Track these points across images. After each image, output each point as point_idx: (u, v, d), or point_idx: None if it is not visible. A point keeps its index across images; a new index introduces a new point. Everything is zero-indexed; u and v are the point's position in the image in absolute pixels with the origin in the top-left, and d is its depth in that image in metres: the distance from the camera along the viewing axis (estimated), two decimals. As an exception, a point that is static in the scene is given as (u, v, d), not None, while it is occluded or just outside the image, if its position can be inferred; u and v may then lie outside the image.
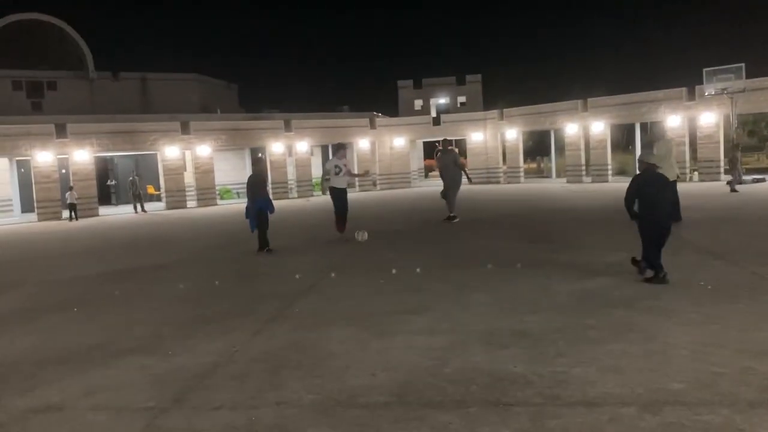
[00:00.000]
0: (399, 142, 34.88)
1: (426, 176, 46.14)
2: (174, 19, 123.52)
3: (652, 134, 13.36)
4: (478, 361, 5.33)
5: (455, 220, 15.66)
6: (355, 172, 14.10)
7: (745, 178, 24.28)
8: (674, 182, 12.08)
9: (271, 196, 13.28)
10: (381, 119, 37.69)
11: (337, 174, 13.05)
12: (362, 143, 34.13)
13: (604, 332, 5.94)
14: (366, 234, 12.48)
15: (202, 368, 5.61)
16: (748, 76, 23.39)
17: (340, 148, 13.60)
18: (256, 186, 12.58)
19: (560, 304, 7.17)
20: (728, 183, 20.20)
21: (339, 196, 13.21)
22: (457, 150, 17.96)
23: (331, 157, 13.37)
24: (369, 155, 34.55)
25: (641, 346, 5.47)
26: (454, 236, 13.41)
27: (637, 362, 5.08)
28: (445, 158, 15.81)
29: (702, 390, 4.43)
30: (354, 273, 9.92)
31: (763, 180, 23.44)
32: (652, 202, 7.91)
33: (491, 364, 5.25)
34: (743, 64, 23.16)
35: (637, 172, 8.33)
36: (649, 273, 7.98)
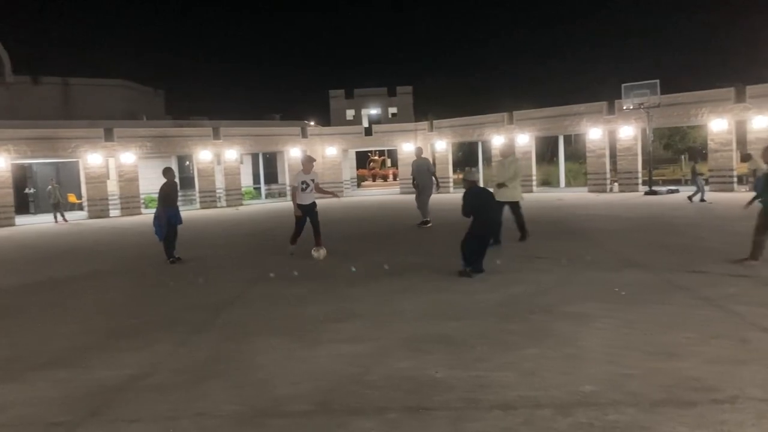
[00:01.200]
0: (331, 151, 34.91)
1: (358, 186, 46.28)
2: (100, 24, 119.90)
3: (501, 153, 13.88)
4: (401, 368, 5.41)
5: (428, 225, 16.20)
6: (326, 189, 12.96)
7: (660, 188, 25.47)
8: (515, 203, 12.67)
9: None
10: (313, 128, 37.59)
11: (304, 190, 12.02)
12: (293, 152, 33.97)
13: (523, 337, 6.13)
14: (324, 251, 12.02)
15: (121, 381, 5.48)
16: (662, 92, 24.56)
17: (309, 162, 12.33)
18: (171, 196, 12.49)
19: (484, 310, 7.35)
20: (689, 196, 20.53)
21: (308, 212, 12.11)
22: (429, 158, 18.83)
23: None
24: (300, 164, 34.41)
25: (557, 350, 5.68)
26: (393, 243, 13.53)
27: (553, 366, 5.27)
28: (419, 165, 16.71)
29: (612, 391, 4.64)
30: (285, 282, 9.88)
31: (677, 191, 24.62)
32: (479, 212, 9.40)
33: (414, 370, 5.34)
34: (657, 81, 24.32)
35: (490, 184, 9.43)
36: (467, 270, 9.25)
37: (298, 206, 12.08)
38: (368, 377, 5.23)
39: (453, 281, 9.07)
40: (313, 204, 12.20)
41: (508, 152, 13.62)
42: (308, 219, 12.15)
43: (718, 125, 24.48)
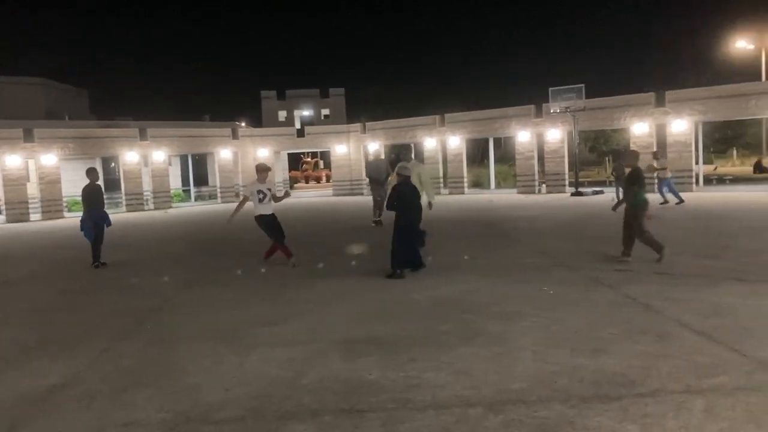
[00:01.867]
0: (263, 153, 34.48)
1: (291, 188, 45.90)
2: (19, 21, 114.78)
3: (400, 158, 14.21)
4: (335, 370, 5.39)
5: (379, 224, 16.31)
6: (279, 195, 12.24)
7: (586, 190, 26.27)
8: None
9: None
10: (244, 130, 37.07)
11: (261, 201, 11.15)
12: (224, 153, 33.39)
13: (456, 337, 6.21)
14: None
15: (42, 392, 5.24)
16: (588, 97, 25.37)
17: (264, 170, 11.41)
18: (96, 197, 12.08)
19: (417, 311, 7.41)
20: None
21: (269, 223, 11.30)
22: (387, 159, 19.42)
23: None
24: (232, 166, 33.88)
25: (489, 349, 5.78)
26: (331, 246, 13.45)
27: (484, 365, 5.36)
28: (378, 165, 17.19)
29: (541, 388, 4.75)
30: (218, 286, 9.69)
31: (601, 192, 25.45)
32: (408, 207, 9.51)
33: (347, 372, 5.32)
34: (583, 85, 25.11)
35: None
36: (399, 272, 9.34)
37: (258, 218, 11.22)
38: (302, 381, 5.19)
39: (388, 283, 9.11)
40: (273, 215, 11.32)
41: (408, 159, 13.05)
42: (268, 230, 11.31)
43: (639, 129, 25.46)
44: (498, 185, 32.87)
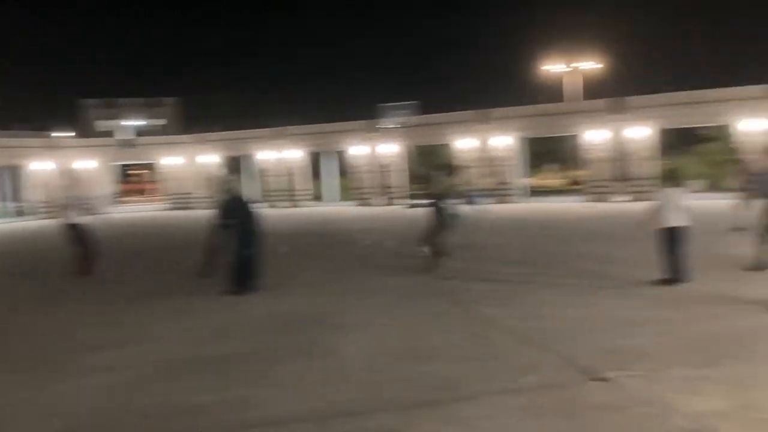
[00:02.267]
0: (87, 164, 32.24)
1: (119, 201, 43.24)
2: None
3: (222, 173, 13.85)
4: (164, 394, 5.15)
5: None
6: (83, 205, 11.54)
7: (423, 202, 27.16)
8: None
9: None
10: (66, 140, 34.50)
11: (72, 210, 10.74)
12: (39, 165, 30.81)
13: (289, 351, 6.17)
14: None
15: None
16: (421, 113, 26.54)
17: (72, 180, 10.89)
18: None
19: (252, 327, 7.28)
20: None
21: (80, 233, 10.76)
22: None
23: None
24: (51, 178, 31.32)
25: (322, 362, 5.81)
26: (166, 263, 12.81)
27: (316, 378, 5.37)
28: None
29: (370, 398, 4.85)
30: (39, 309, 8.89)
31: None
32: (243, 222, 9.16)
33: (178, 395, 5.11)
34: (414, 102, 26.32)
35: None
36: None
37: (67, 226, 10.89)
38: (124, 407, 4.89)
39: (226, 300, 8.83)
40: (83, 225, 11.00)
41: (224, 175, 12.75)
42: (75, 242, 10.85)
43: (464, 144, 26.94)
44: (338, 198, 33.23)
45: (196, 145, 33.26)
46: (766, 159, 9.19)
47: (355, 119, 29.58)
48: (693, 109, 23.34)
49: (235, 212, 9.26)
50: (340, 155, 31.89)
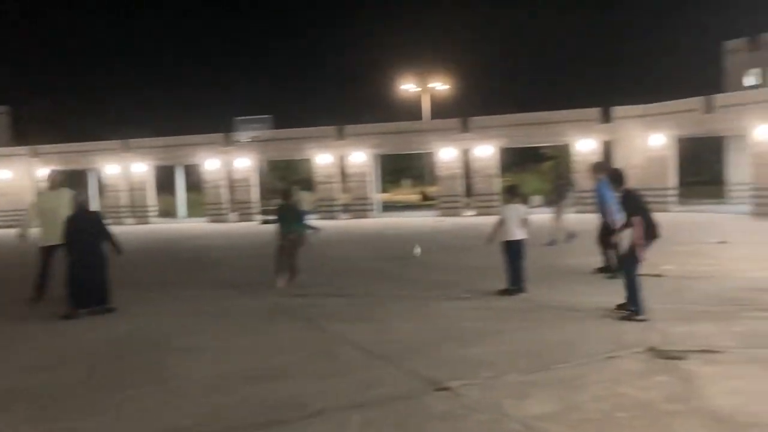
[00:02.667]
0: None
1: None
2: None
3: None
4: (-24, 433, 4.65)
5: None
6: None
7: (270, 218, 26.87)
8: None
9: None
10: None
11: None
12: None
13: (128, 377, 5.82)
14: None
15: None
16: (275, 127, 26.26)
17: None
18: None
19: (90, 353, 6.79)
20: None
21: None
22: None
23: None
24: None
25: (163, 386, 5.52)
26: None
27: (155, 403, 5.10)
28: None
29: (211, 422, 4.68)
30: None
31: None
32: (80, 239, 8.57)
33: (-8, 433, 4.64)
34: (269, 116, 25.98)
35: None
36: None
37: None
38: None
39: (63, 325, 8.15)
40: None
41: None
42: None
43: (323, 159, 27.04)
44: (189, 214, 32.09)
45: (30, 157, 30.76)
46: (592, 176, 9.95)
47: (209, 132, 28.77)
48: (533, 129, 24.96)
49: (82, 229, 8.60)
50: (192, 169, 30.89)
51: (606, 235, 9.50)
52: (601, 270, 10.10)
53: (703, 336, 6.40)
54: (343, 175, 28.04)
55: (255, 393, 5.28)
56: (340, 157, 27.18)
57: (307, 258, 10.79)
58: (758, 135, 20.19)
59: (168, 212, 32.54)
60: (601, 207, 8.84)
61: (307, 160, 29.56)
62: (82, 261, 8.58)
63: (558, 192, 14.75)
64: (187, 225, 26.86)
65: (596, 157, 23.90)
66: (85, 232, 8.70)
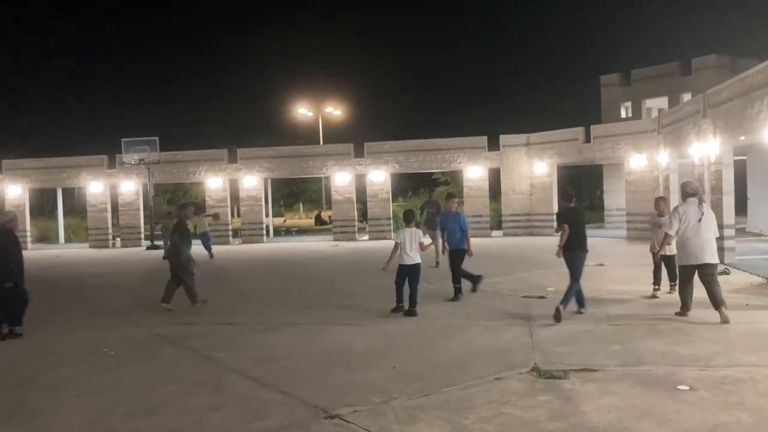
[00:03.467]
0: None
1: None
2: None
3: None
4: None
5: None
6: None
7: (157, 243, 25.81)
8: None
9: None
10: None
11: None
12: None
13: (-11, 418, 5.35)
14: None
15: None
16: (163, 149, 25.34)
17: None
18: None
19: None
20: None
21: None
22: None
23: None
24: None
25: (28, 427, 5.12)
26: None
27: (20, 446, 4.71)
28: None
29: (84, 462, 4.36)
30: None
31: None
32: None
33: None
34: (157, 138, 25.03)
35: None
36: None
37: None
38: None
39: None
40: None
41: None
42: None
43: (214, 183, 26.39)
44: (68, 239, 30.33)
45: None
46: (449, 204, 11.00)
47: (93, 153, 27.44)
48: (425, 155, 25.53)
49: None
50: (72, 192, 29.30)
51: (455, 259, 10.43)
52: (474, 290, 10.65)
53: (583, 355, 6.69)
54: (235, 198, 27.50)
55: (133, 427, 4.99)
56: (232, 181, 26.64)
57: (195, 284, 10.41)
58: (632, 164, 21.61)
59: (44, 237, 30.59)
60: (449, 234, 10.50)
61: (198, 184, 28.80)
62: None
63: (430, 217, 15.13)
64: (66, 251, 25.32)
65: (479, 184, 24.81)
66: None
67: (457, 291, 10.30)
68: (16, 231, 8.93)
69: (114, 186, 27.18)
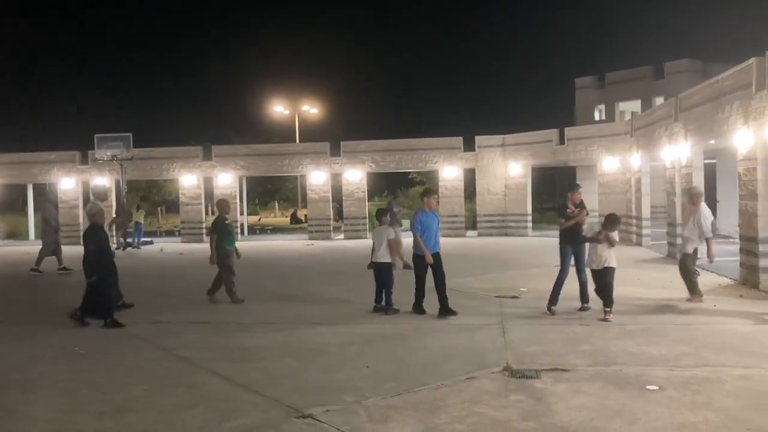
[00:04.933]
0: None
1: None
2: None
3: None
4: None
5: None
6: None
7: (135, 240, 25.57)
8: None
9: None
10: None
11: None
12: None
13: (-45, 419, 5.26)
14: None
15: None
16: (136, 146, 25.00)
17: None
18: None
19: None
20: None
21: None
22: None
23: None
24: None
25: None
26: None
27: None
28: None
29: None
30: None
31: (151, 242, 25.17)
32: None
33: None
34: (130, 134, 24.67)
35: None
36: None
37: None
38: None
39: None
40: None
41: None
42: None
43: (188, 180, 26.13)
44: (39, 235, 29.77)
45: None
46: (429, 202, 9.53)
47: (65, 149, 27.02)
48: (401, 155, 25.55)
49: None
50: (44, 188, 28.82)
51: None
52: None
53: (555, 355, 6.76)
54: (210, 196, 27.26)
55: (105, 427, 4.94)
56: (206, 178, 26.41)
57: (167, 283, 10.31)
58: (604, 166, 21.85)
59: (15, 234, 30.05)
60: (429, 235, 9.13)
61: (172, 181, 28.50)
62: None
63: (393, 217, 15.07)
64: (37, 248, 24.87)
65: (458, 183, 24.92)
66: None
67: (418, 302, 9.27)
68: None
69: (86, 182, 26.80)
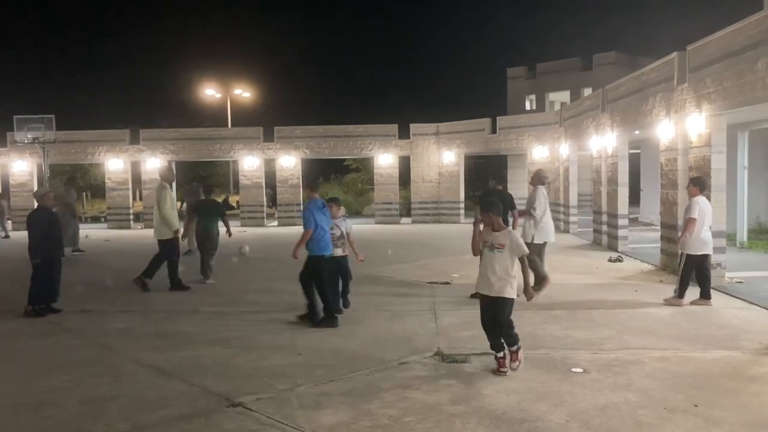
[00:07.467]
0: None
1: None
2: None
3: None
4: None
5: None
6: None
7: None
8: None
9: None
10: None
11: None
12: None
13: None
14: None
15: None
16: (60, 128, 23.99)
17: None
18: None
19: None
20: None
21: None
22: None
23: None
24: None
25: None
26: None
27: None
28: None
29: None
30: None
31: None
32: None
33: None
34: (53, 116, 23.60)
35: None
36: None
37: None
38: None
39: None
40: None
41: None
42: None
43: (114, 164, 25.31)
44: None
45: None
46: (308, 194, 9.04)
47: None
48: (336, 142, 25.42)
49: None
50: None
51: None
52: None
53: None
54: (137, 182, 26.48)
55: (23, 421, 4.75)
56: (134, 163, 25.62)
57: (93, 271, 9.96)
58: (534, 155, 22.35)
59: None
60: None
61: (98, 165, 27.50)
62: None
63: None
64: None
65: (396, 171, 25.00)
66: None
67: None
68: None
69: (5, 166, 25.59)
